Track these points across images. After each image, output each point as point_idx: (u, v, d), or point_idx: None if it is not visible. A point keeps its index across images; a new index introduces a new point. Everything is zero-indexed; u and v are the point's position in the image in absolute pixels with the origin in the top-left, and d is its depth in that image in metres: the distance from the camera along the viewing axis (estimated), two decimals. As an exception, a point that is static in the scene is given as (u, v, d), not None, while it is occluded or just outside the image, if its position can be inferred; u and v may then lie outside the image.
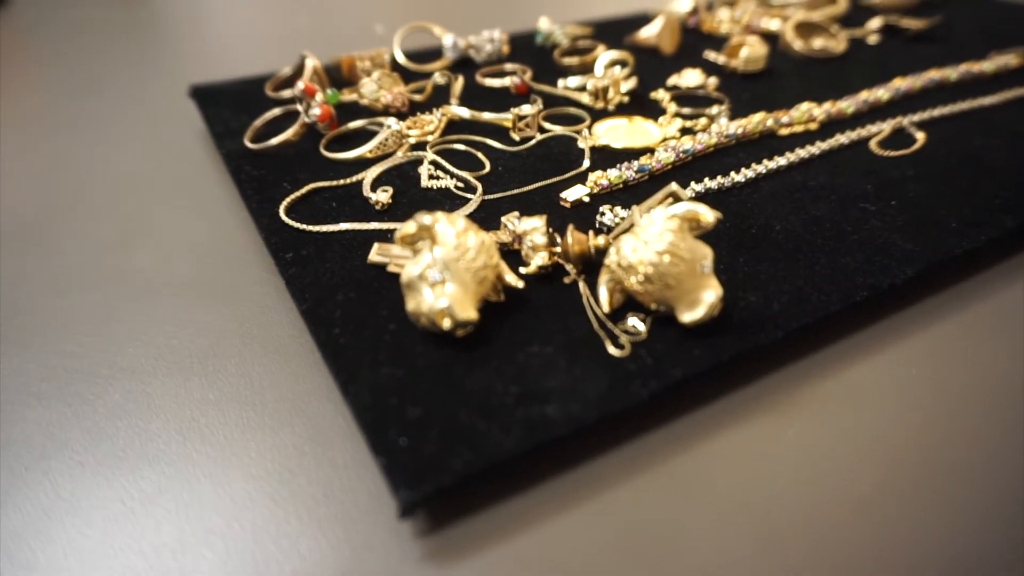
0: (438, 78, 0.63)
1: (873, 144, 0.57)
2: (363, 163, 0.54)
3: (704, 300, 0.37)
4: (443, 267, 0.36)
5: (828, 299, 0.41)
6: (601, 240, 0.41)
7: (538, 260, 0.41)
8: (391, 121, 0.55)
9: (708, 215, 0.36)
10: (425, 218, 0.36)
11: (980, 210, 0.49)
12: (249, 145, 0.55)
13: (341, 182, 0.51)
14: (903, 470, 0.34)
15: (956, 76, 0.68)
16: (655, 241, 0.36)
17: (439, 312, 0.35)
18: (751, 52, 0.68)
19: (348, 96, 0.62)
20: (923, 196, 0.50)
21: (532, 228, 0.41)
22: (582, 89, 0.66)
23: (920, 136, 0.57)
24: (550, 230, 0.42)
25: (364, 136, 0.58)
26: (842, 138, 0.57)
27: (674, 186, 0.41)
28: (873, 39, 0.79)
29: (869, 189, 0.51)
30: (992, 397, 0.38)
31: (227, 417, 0.37)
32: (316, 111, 0.55)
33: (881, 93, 0.64)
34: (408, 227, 0.36)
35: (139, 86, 0.76)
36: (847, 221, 0.47)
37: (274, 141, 0.55)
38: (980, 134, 0.58)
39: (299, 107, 0.56)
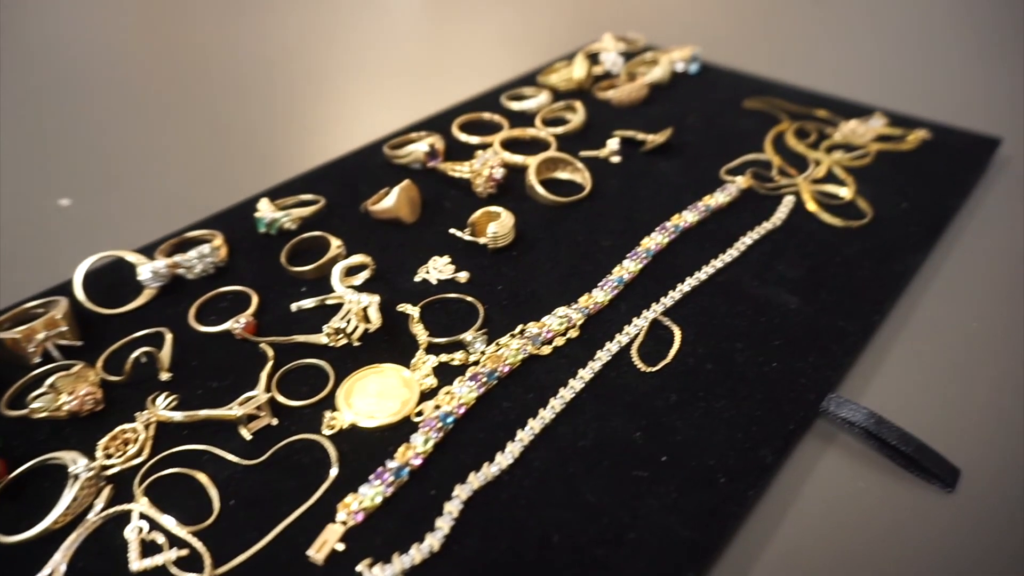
0: (138, 353, 0.52)
1: (634, 354, 0.54)
2: (52, 534, 0.42)
3: None
4: None
5: (619, 657, 0.38)
6: (363, 670, 0.35)
7: None
8: (79, 466, 0.44)
9: None
10: None
11: (742, 449, 0.48)
12: None
13: (20, 592, 0.40)
14: None
15: (696, 218, 0.68)
16: None
17: None
18: (499, 228, 0.63)
19: (16, 411, 0.49)
20: (691, 440, 0.48)
21: None
22: (322, 308, 0.58)
23: (676, 334, 0.56)
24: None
25: (45, 474, 0.46)
26: (602, 354, 0.54)
27: None
28: (615, 159, 0.77)
29: (638, 439, 0.48)
30: None
31: None
32: (-31, 480, 0.42)
33: (632, 267, 0.62)
34: None
35: None
36: (623, 507, 0.44)
37: (-86, 535, 0.41)
38: (729, 314, 0.58)
39: (-57, 472, 0.43)
